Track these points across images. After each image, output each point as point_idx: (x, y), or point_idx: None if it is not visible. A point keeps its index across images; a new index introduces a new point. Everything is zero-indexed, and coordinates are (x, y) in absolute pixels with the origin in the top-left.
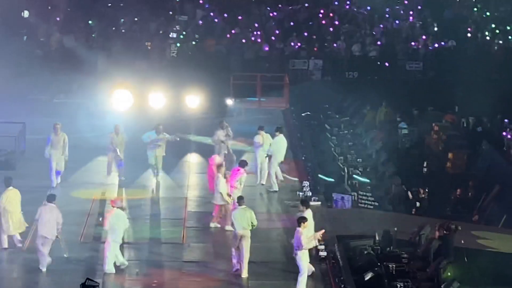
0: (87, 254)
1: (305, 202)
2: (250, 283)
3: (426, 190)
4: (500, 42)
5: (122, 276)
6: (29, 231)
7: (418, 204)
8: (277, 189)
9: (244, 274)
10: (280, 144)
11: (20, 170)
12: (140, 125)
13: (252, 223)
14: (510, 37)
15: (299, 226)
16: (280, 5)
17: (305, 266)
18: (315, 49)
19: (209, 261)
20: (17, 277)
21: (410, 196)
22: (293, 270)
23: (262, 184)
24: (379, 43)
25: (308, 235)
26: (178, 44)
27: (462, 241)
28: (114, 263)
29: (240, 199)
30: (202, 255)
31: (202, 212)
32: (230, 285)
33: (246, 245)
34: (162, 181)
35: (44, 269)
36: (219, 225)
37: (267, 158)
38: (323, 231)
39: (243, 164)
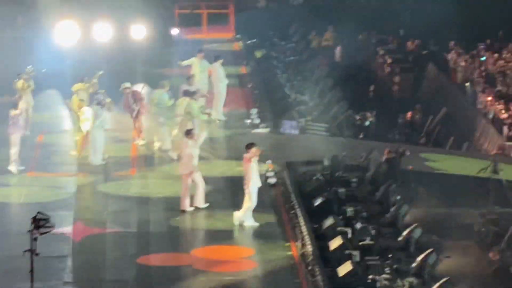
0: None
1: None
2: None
3: (374, 113)
4: None
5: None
6: None
7: (367, 123)
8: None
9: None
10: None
11: None
12: (87, 57)
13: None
14: None
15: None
16: None
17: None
18: None
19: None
20: None
21: (358, 120)
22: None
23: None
24: None
25: None
26: None
27: (410, 166)
28: None
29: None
30: None
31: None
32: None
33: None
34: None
35: None
36: None
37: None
38: None
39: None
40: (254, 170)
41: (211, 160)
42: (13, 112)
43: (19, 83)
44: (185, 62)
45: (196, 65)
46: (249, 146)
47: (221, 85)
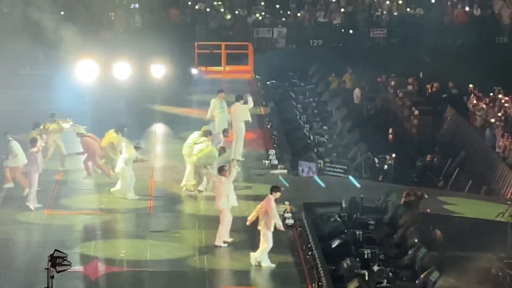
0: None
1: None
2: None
3: (393, 156)
4: (466, 9)
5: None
6: None
7: (386, 167)
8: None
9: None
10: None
11: None
12: (106, 95)
13: None
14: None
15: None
16: None
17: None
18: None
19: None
20: None
21: (377, 163)
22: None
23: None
24: (342, 10)
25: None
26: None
27: (428, 209)
28: None
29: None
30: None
31: (169, 181)
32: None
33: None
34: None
35: None
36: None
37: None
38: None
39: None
40: (274, 212)
41: None
42: (32, 150)
43: (53, 125)
44: (210, 111)
45: (217, 105)
46: (275, 189)
47: (241, 125)
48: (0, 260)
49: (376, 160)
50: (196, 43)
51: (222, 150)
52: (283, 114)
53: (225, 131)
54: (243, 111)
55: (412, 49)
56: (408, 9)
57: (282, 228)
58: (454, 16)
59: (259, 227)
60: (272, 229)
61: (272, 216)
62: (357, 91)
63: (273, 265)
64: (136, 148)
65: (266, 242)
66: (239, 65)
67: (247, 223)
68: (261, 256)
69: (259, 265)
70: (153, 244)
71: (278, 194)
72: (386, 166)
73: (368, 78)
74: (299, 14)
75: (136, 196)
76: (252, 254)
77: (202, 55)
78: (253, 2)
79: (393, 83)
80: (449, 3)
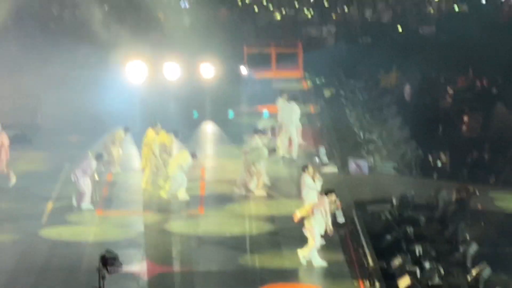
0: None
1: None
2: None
3: (447, 154)
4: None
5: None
6: None
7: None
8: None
9: None
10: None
11: (36, 144)
12: (156, 95)
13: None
14: None
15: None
16: None
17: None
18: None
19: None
20: None
21: (431, 160)
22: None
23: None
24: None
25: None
26: None
27: (479, 205)
28: None
29: None
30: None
31: (219, 181)
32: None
33: None
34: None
35: None
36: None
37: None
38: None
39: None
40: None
41: (278, 199)
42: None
43: (120, 134)
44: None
45: (282, 106)
46: (329, 191)
47: (291, 122)
48: (51, 261)
49: (431, 158)
50: (245, 43)
51: (272, 151)
52: (332, 112)
53: (273, 129)
54: (291, 107)
55: (461, 45)
56: (455, 6)
57: (330, 232)
58: (504, 12)
59: (307, 226)
60: (322, 230)
61: (325, 216)
62: (407, 88)
63: (325, 263)
64: (193, 156)
65: (313, 240)
66: (289, 64)
67: (295, 220)
68: (310, 255)
69: (309, 263)
70: (203, 244)
71: (332, 197)
72: (439, 164)
73: (418, 75)
74: (346, 10)
75: (187, 196)
76: (299, 251)
77: (251, 54)
78: (301, 1)
79: (442, 80)
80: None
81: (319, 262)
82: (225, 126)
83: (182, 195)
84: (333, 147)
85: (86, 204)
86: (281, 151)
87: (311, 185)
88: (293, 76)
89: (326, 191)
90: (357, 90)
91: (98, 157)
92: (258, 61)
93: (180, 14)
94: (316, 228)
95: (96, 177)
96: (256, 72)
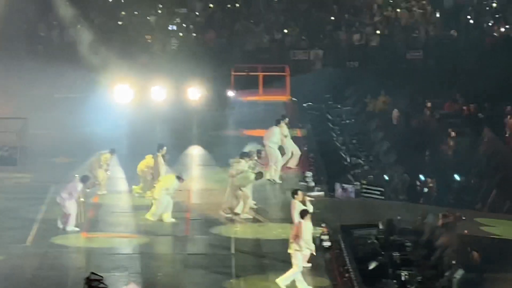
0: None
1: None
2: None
3: (434, 180)
4: (502, 29)
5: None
6: None
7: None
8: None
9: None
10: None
11: (21, 166)
12: (143, 118)
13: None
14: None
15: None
16: None
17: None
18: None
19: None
20: None
21: (418, 185)
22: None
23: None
24: (378, 32)
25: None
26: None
27: (466, 231)
28: None
29: None
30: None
31: (205, 204)
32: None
33: None
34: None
35: None
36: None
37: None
38: None
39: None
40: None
41: (265, 223)
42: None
43: (106, 156)
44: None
45: (285, 130)
46: (295, 191)
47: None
48: (36, 283)
49: (418, 183)
50: (232, 66)
51: (259, 175)
52: (319, 136)
53: (259, 152)
54: (279, 133)
55: (448, 70)
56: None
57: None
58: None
59: (289, 251)
60: (303, 250)
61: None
62: (395, 112)
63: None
64: (178, 178)
65: (296, 265)
66: (276, 87)
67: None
68: (289, 279)
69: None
70: (189, 267)
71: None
72: (425, 190)
73: (405, 100)
74: (334, 36)
75: (173, 218)
76: (277, 280)
77: (238, 78)
78: (288, 24)
79: (429, 104)
80: (485, 25)
81: (305, 286)
82: (212, 149)
83: (167, 218)
84: (319, 171)
85: (71, 226)
86: (268, 174)
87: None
88: (280, 99)
89: (292, 193)
90: (344, 114)
91: (84, 179)
92: (245, 84)
93: (168, 36)
94: (299, 253)
95: (82, 199)
96: (243, 95)
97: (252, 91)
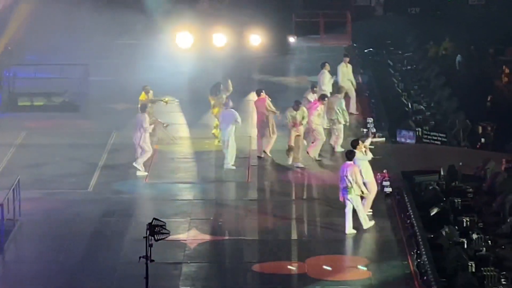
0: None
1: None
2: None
3: (494, 126)
4: None
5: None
6: None
7: (483, 139)
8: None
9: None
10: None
11: (83, 112)
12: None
13: None
14: None
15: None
16: None
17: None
18: None
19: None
20: None
21: (480, 131)
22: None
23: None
24: None
25: None
26: None
27: None
28: None
29: None
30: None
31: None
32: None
33: None
34: None
35: None
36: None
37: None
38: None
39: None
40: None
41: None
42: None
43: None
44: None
45: (344, 70)
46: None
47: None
48: (100, 230)
49: (479, 130)
50: (294, 12)
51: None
52: (381, 82)
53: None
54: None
55: (511, 16)
56: None
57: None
58: None
59: (348, 196)
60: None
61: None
62: (457, 58)
63: (372, 222)
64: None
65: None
66: (337, 34)
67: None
68: (365, 218)
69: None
70: (250, 213)
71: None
72: (485, 135)
73: (467, 45)
74: None
75: (233, 166)
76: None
77: (300, 24)
78: None
79: (491, 50)
80: None
81: (368, 223)
82: (273, 95)
83: (229, 163)
84: (381, 117)
85: (139, 164)
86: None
87: (362, 157)
88: (341, 45)
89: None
90: (406, 60)
91: (143, 108)
92: (306, 30)
93: None
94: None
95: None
96: (304, 41)
97: (313, 37)
